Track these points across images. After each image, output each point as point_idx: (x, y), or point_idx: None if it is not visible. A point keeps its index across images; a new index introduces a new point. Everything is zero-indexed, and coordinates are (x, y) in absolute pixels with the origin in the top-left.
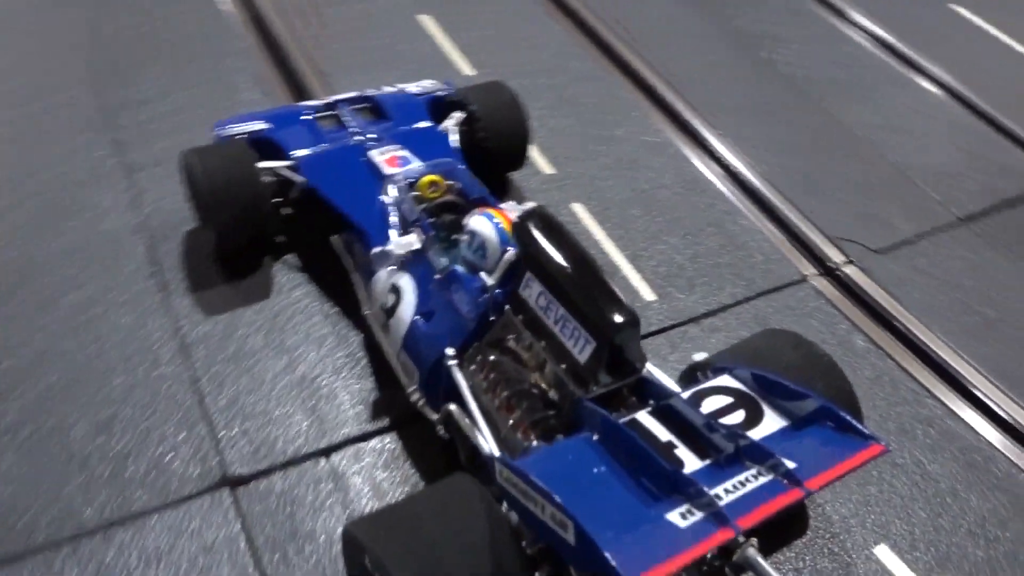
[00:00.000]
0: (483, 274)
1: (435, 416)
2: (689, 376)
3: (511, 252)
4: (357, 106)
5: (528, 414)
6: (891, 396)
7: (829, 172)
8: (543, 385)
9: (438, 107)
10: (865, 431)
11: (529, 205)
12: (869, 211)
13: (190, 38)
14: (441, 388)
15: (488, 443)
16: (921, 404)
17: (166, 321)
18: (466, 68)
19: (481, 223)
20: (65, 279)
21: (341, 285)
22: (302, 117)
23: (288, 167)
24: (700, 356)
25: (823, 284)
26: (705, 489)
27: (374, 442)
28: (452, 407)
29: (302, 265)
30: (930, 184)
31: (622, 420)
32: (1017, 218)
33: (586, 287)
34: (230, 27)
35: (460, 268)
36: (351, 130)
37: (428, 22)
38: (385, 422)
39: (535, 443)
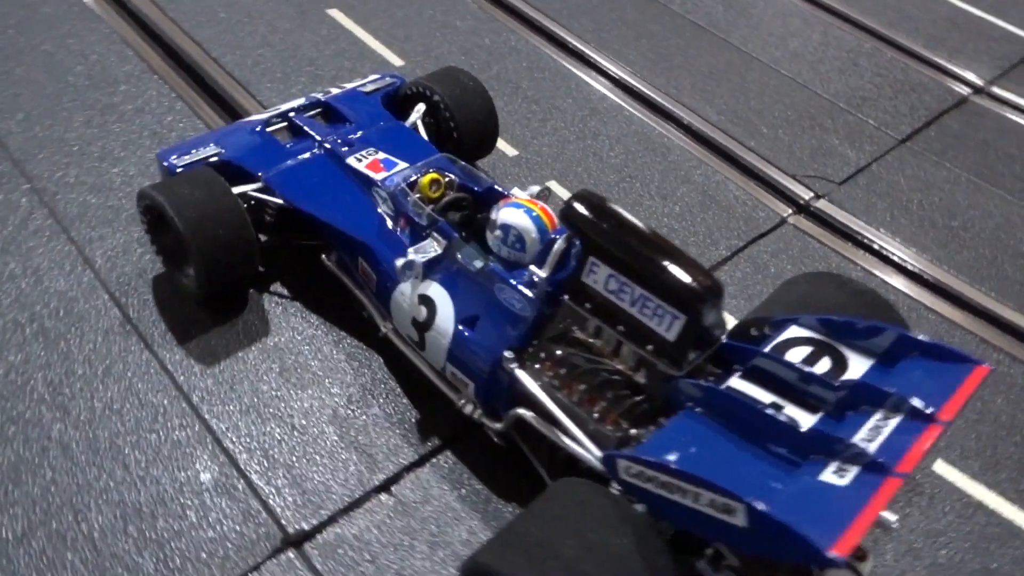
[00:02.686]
0: (532, 267)
1: (498, 425)
2: (741, 336)
3: (560, 240)
4: (310, 113)
5: (615, 403)
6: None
7: (766, 113)
8: (624, 370)
9: (392, 102)
10: (962, 353)
11: (565, 192)
12: (817, 145)
13: (90, 67)
14: (503, 394)
15: (585, 441)
16: (924, 320)
17: (162, 383)
18: (393, 58)
19: (515, 215)
20: (30, 359)
21: (342, 307)
22: (254, 133)
23: (262, 189)
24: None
25: (802, 222)
26: (851, 441)
27: (431, 464)
28: (522, 411)
29: (292, 294)
30: (861, 111)
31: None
32: (944, 130)
33: (660, 262)
34: (130, 50)
35: (497, 266)
36: (317, 139)
37: (339, 16)
38: (436, 441)
39: (633, 431)
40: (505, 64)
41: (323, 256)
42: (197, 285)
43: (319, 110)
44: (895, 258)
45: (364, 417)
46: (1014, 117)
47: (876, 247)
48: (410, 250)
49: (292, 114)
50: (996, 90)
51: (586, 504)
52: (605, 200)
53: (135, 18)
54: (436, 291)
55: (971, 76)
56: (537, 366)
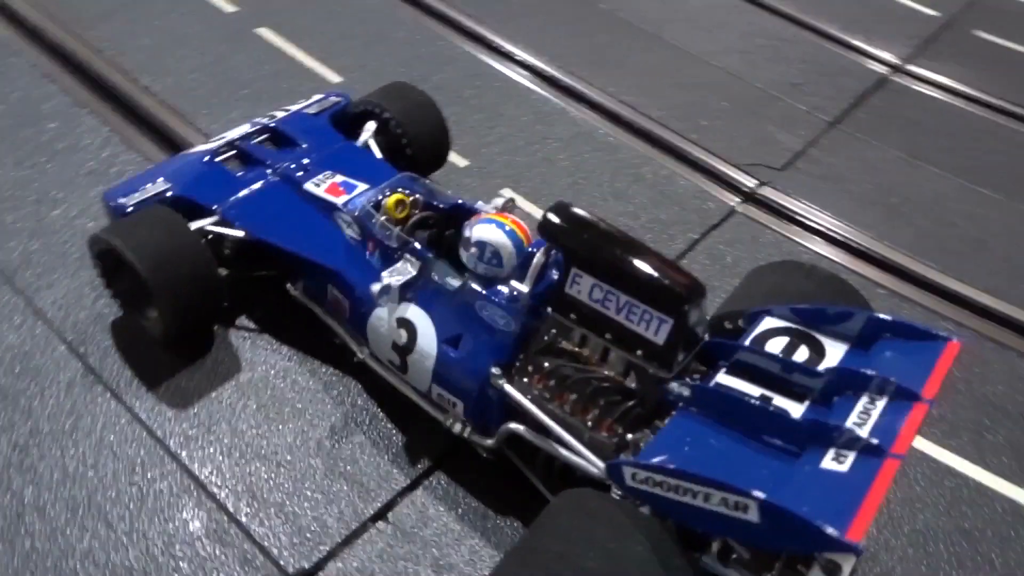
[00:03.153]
0: (513, 282)
1: (489, 441)
2: (717, 330)
3: (539, 253)
4: (258, 139)
5: (608, 410)
6: None
7: (704, 106)
8: (613, 376)
9: (340, 121)
10: (931, 331)
11: (521, 200)
12: (755, 134)
13: (12, 106)
14: (494, 411)
15: (583, 450)
16: (875, 296)
17: (135, 432)
18: (331, 76)
19: (490, 231)
20: None
21: (312, 336)
22: (203, 164)
23: (219, 222)
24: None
25: (751, 210)
26: (846, 427)
27: (424, 487)
28: (514, 426)
29: (259, 327)
30: (792, 97)
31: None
32: (871, 110)
33: (643, 268)
34: (54, 85)
35: (475, 283)
36: (270, 166)
37: (270, 35)
38: (426, 463)
39: (629, 436)
40: (445, 74)
41: (288, 285)
42: (163, 329)
43: (267, 135)
44: (841, 238)
45: (350, 446)
46: (932, 93)
47: (823, 229)
48: (384, 274)
49: (239, 142)
50: (912, 68)
51: (598, 514)
52: (581, 211)
53: (54, 50)
54: (415, 313)
55: (888, 56)
56: (526, 380)
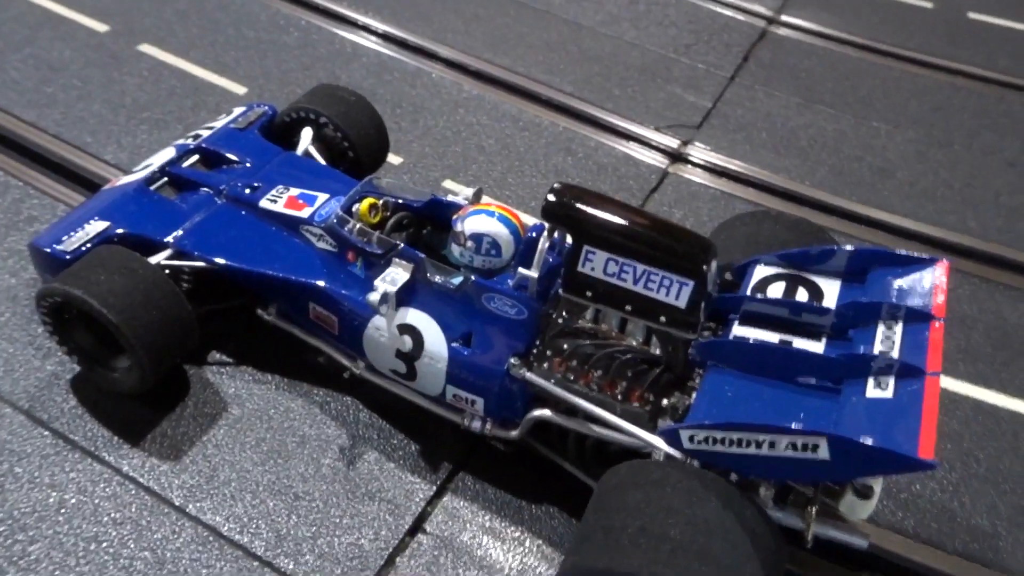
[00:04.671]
0: (521, 269)
1: (513, 433)
2: None
3: (543, 238)
4: (188, 162)
5: (636, 380)
6: None
7: (611, 75)
8: (636, 346)
9: (269, 132)
10: (916, 256)
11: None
12: (665, 97)
13: None
14: (517, 402)
15: (621, 423)
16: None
17: (130, 493)
18: (233, 87)
19: (485, 222)
20: None
21: (293, 359)
22: (138, 196)
23: (175, 255)
24: None
25: (682, 169)
26: (879, 354)
27: (452, 491)
28: (540, 413)
29: (235, 359)
30: (688, 57)
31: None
32: (760, 62)
33: (656, 235)
34: None
35: (479, 277)
36: (214, 189)
37: (154, 51)
38: (448, 466)
39: (664, 402)
40: (351, 72)
41: (259, 312)
42: (139, 377)
43: (196, 157)
44: (769, 184)
45: (366, 465)
46: (808, 40)
47: (750, 178)
48: (377, 282)
49: (170, 168)
50: (785, 18)
51: (664, 481)
52: (582, 188)
53: None
54: (416, 317)
55: (761, 9)
56: (546, 365)
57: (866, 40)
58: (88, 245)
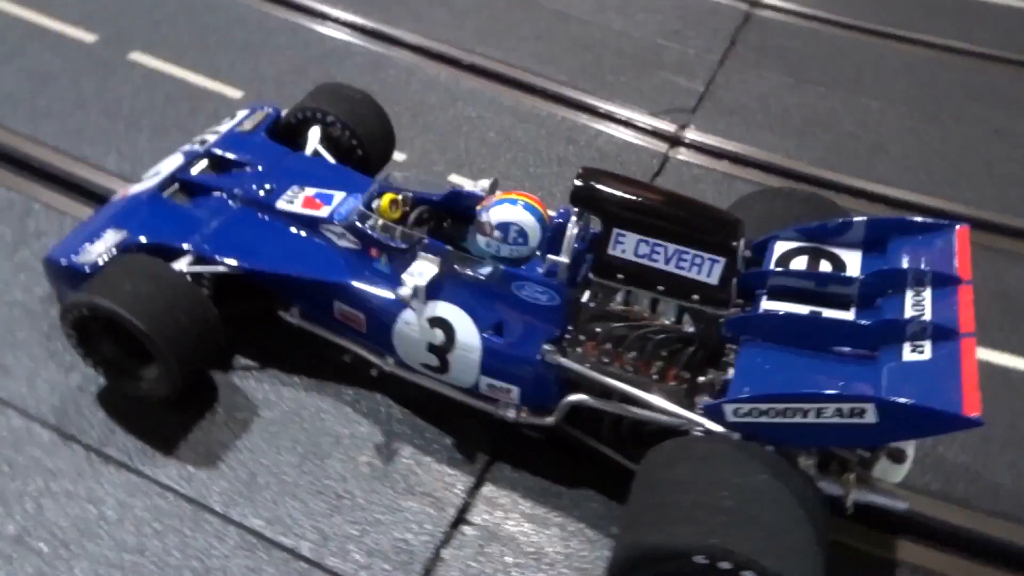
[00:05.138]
0: (551, 255)
1: (549, 419)
2: None
3: (571, 224)
4: (198, 167)
5: (671, 359)
6: None
7: (603, 63)
8: (668, 325)
9: (275, 133)
10: (934, 221)
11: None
12: (658, 82)
13: None
14: (552, 388)
15: (658, 402)
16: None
17: (169, 503)
18: (229, 91)
19: (511, 211)
20: None
21: (318, 359)
22: (152, 203)
23: (196, 260)
24: None
25: (682, 153)
26: (915, 318)
27: (490, 480)
28: (575, 397)
29: (260, 362)
30: (678, 42)
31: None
32: (747, 45)
33: (686, 215)
34: None
35: (508, 266)
36: (228, 192)
37: (146, 59)
38: (484, 456)
39: (700, 379)
40: (345, 71)
41: (281, 313)
42: (170, 384)
43: (205, 162)
44: (768, 164)
45: (403, 460)
46: (791, 21)
47: (750, 159)
48: (405, 276)
49: (180, 174)
50: (767, 0)
51: (711, 456)
52: (607, 171)
53: None
54: (447, 310)
55: None
56: (580, 350)
57: (849, 19)
58: (107, 256)
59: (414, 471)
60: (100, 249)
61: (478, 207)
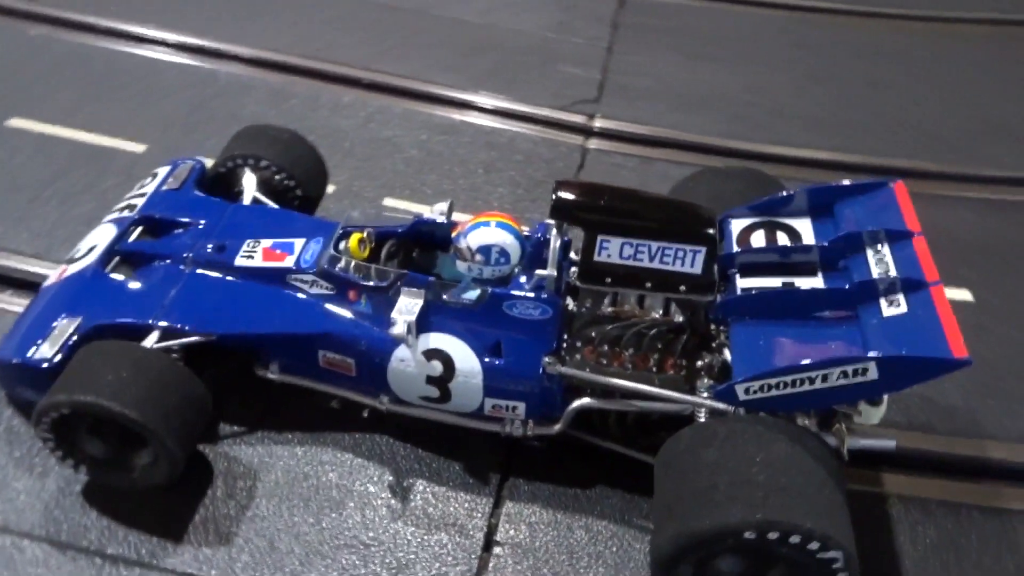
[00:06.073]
0: (538, 271)
1: (556, 427)
2: None
3: (552, 237)
4: (134, 235)
5: (666, 349)
6: None
7: (504, 64)
8: (658, 319)
9: (202, 186)
10: (871, 182)
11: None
12: (559, 76)
13: None
14: (557, 398)
15: (662, 393)
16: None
17: None
18: (131, 146)
19: (488, 234)
20: None
21: (305, 411)
22: (98, 282)
23: (166, 335)
24: None
25: (597, 143)
26: (882, 276)
27: (509, 499)
28: (580, 402)
29: (246, 426)
30: (566, 35)
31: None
32: (629, 29)
33: (663, 212)
34: None
35: (494, 288)
36: (176, 258)
37: (29, 124)
38: (497, 475)
39: (698, 364)
40: (247, 106)
41: (259, 372)
42: (169, 467)
43: (140, 228)
44: (684, 141)
45: (419, 496)
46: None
47: (662, 139)
48: (395, 314)
49: (118, 246)
50: None
51: (731, 436)
52: (580, 181)
53: None
54: (440, 340)
55: None
56: (578, 356)
57: None
58: (65, 347)
59: (432, 504)
60: (58, 340)
61: (453, 234)
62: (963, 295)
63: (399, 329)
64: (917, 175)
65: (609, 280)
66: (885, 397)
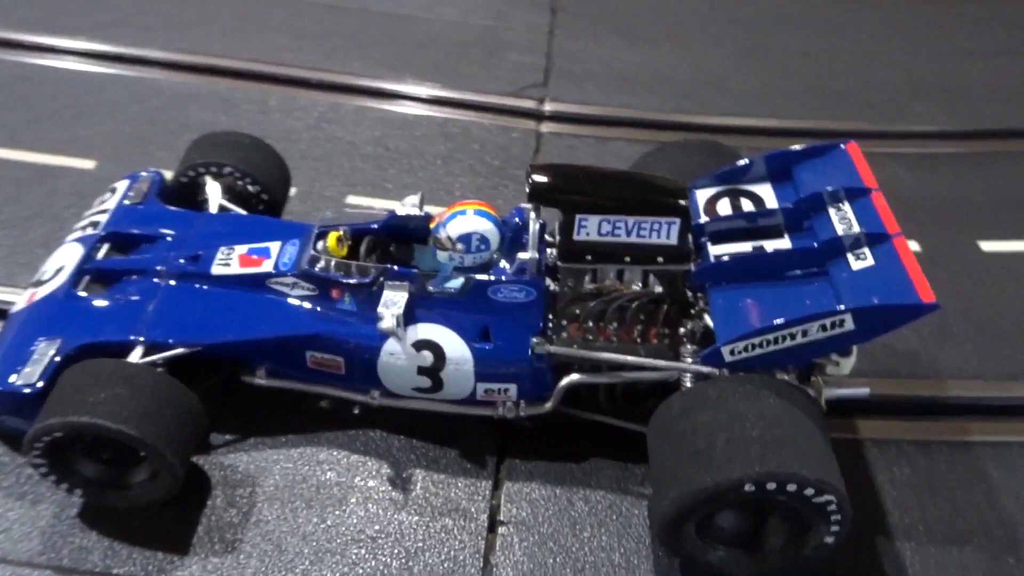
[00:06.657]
0: (520, 254)
1: (547, 406)
2: None
3: (531, 220)
4: (101, 253)
5: (649, 320)
6: None
7: (450, 56)
8: (638, 291)
9: (165, 197)
10: (825, 144)
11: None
12: (503, 64)
13: None
14: (547, 377)
15: (649, 362)
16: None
17: None
18: (80, 163)
19: (468, 223)
20: None
21: (296, 412)
22: (72, 302)
23: (150, 349)
24: None
25: (551, 127)
26: (842, 235)
27: (508, 478)
28: (569, 379)
29: (238, 432)
30: (505, 22)
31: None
32: (567, 13)
33: (637, 187)
34: None
35: (477, 275)
36: (149, 272)
37: None
38: (494, 457)
39: (681, 330)
40: (195, 114)
41: (245, 379)
42: (170, 481)
43: (107, 246)
44: (637, 119)
45: (419, 485)
46: None
47: (613, 118)
48: (381, 309)
49: (87, 265)
50: None
51: (721, 396)
52: (554, 163)
53: None
54: (428, 331)
55: None
56: (564, 334)
57: None
58: (51, 369)
59: (433, 492)
60: (39, 364)
61: (431, 225)
62: (913, 246)
63: (387, 323)
64: (854, 135)
65: (589, 257)
66: (855, 348)
